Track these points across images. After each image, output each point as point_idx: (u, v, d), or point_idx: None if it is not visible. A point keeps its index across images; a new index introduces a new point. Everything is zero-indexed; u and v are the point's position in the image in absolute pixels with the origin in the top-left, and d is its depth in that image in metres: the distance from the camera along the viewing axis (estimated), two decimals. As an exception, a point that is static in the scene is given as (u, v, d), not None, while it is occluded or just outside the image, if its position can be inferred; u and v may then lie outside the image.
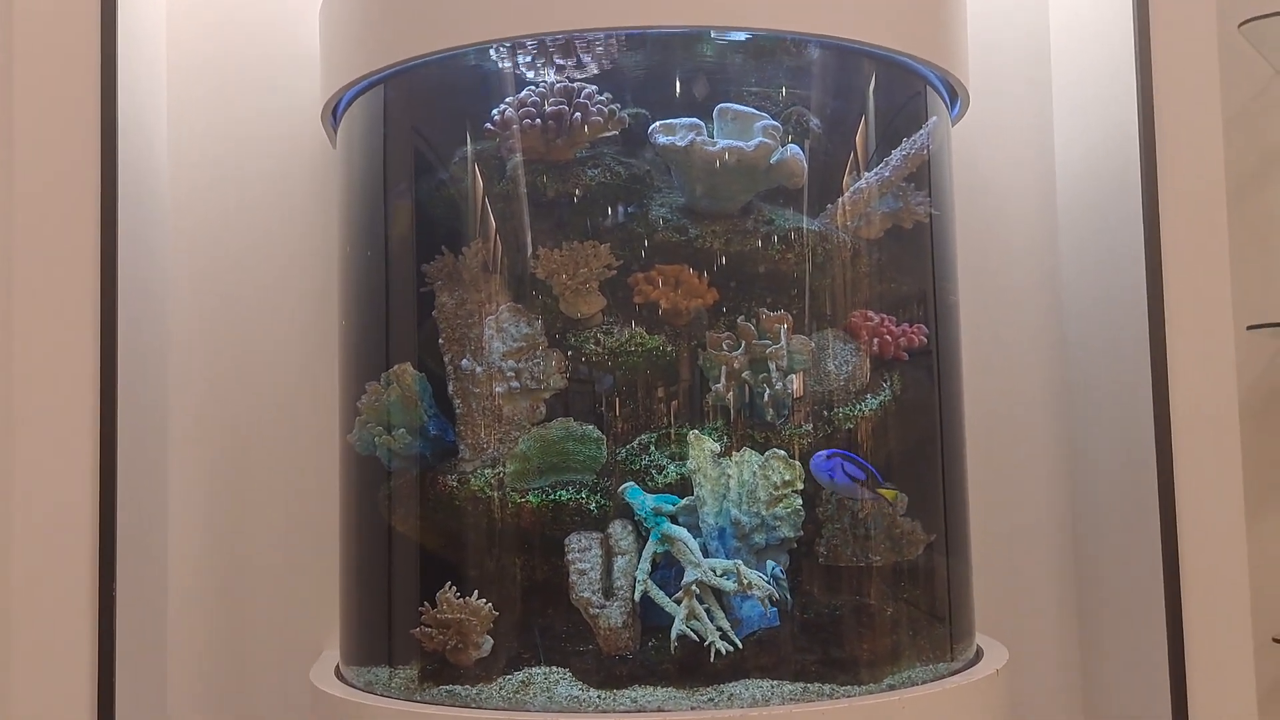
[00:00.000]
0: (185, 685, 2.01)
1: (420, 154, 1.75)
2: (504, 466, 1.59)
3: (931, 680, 1.63)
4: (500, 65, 1.63)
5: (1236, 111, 2.13)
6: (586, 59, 1.61)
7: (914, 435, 1.73)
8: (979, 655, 1.78)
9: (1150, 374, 1.81)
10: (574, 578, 1.54)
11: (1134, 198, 1.84)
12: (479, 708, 1.53)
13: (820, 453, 1.59)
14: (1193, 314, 1.80)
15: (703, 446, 1.56)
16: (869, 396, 1.66)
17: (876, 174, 1.69)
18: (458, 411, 1.63)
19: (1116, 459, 1.96)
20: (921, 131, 1.74)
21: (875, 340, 1.66)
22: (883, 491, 1.62)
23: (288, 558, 2.05)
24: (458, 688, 1.56)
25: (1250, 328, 2.04)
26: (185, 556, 2.02)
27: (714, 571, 1.52)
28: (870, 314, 1.67)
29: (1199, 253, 1.81)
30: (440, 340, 1.64)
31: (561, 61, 1.61)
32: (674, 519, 1.55)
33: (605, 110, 1.59)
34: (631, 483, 1.56)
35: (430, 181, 1.71)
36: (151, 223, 1.92)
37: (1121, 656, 1.97)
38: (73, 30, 1.66)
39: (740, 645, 1.51)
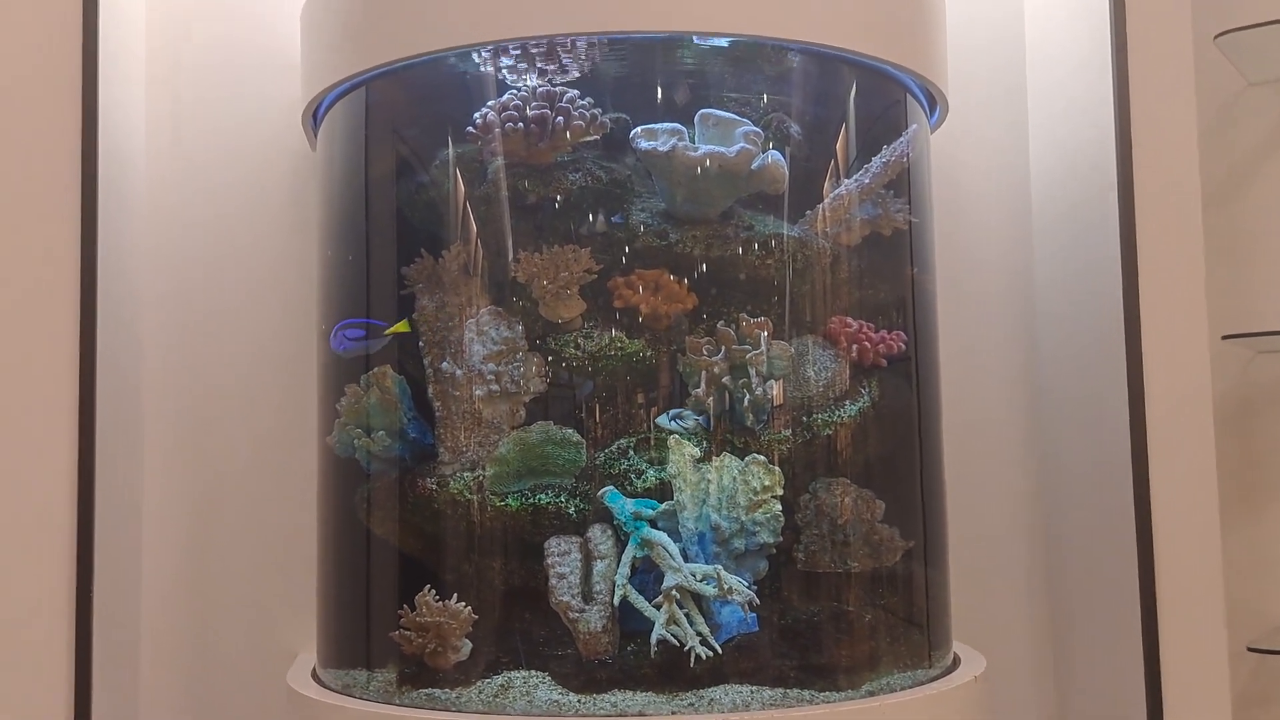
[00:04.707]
0: (159, 688, 1.99)
1: (402, 157, 1.74)
2: (483, 469, 1.59)
3: (910, 687, 1.63)
4: (483, 69, 1.63)
5: (1211, 122, 2.15)
6: (569, 63, 1.61)
7: (892, 441, 1.74)
8: (956, 662, 1.78)
9: (1126, 383, 1.82)
10: (553, 581, 1.54)
11: (1109, 207, 1.86)
12: (458, 711, 1.52)
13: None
14: (1168, 323, 1.82)
15: (683, 451, 1.56)
16: (848, 403, 1.66)
17: (856, 181, 1.70)
18: (437, 414, 1.62)
19: (1091, 467, 1.97)
20: (901, 139, 1.74)
21: (854, 346, 1.67)
22: (393, 330, 1.62)
23: (264, 560, 2.03)
24: (436, 691, 1.55)
25: (1225, 337, 2.06)
26: (160, 558, 2.01)
27: (694, 576, 1.52)
28: (849, 320, 1.68)
29: (1174, 262, 1.83)
30: (420, 343, 1.64)
31: (544, 66, 1.61)
32: (654, 524, 1.55)
33: (587, 115, 1.59)
34: (611, 487, 1.56)
35: (411, 184, 1.71)
36: (128, 223, 1.91)
37: (1096, 665, 1.98)
38: (54, 29, 1.66)
39: (720, 650, 1.51)
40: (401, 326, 1.61)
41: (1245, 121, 2.19)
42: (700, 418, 1.57)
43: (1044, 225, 2.14)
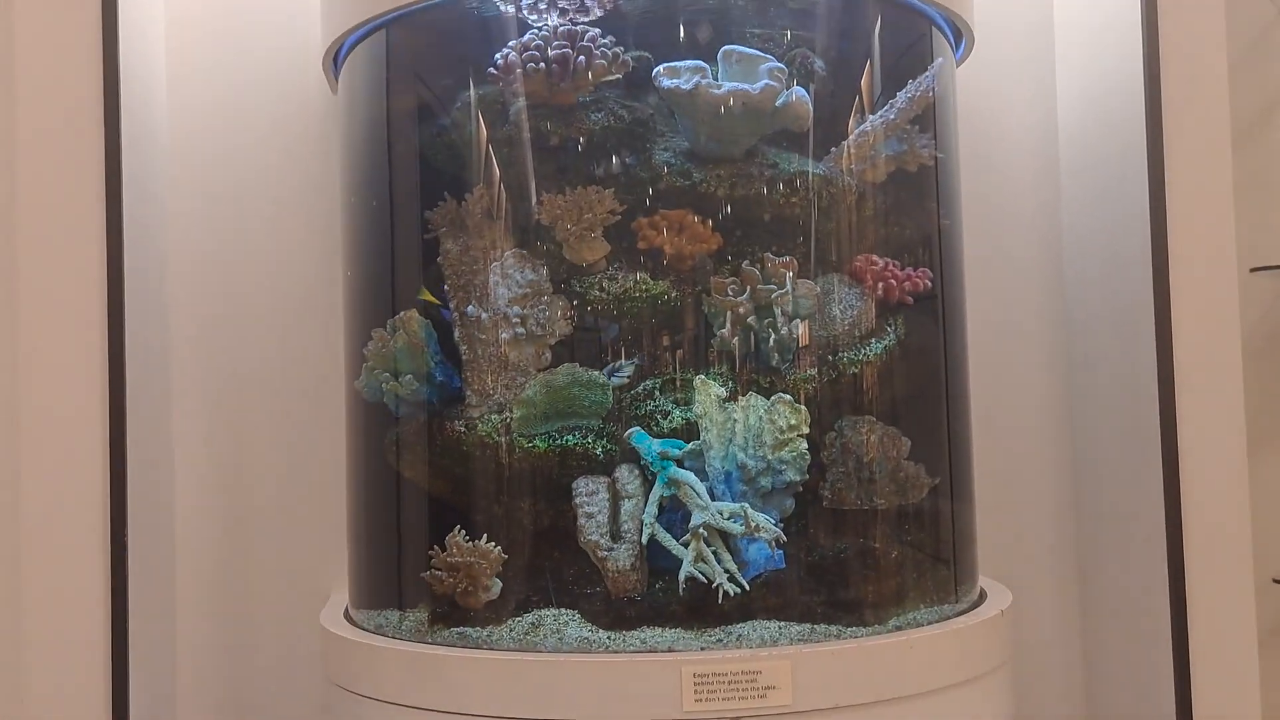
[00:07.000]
0: (194, 629, 2.02)
1: (423, 99, 1.73)
2: (511, 412, 1.60)
3: (937, 621, 1.65)
4: (503, 9, 1.62)
5: (1241, 54, 2.11)
6: (590, 2, 1.59)
7: (918, 379, 1.74)
8: (983, 597, 1.79)
9: (1153, 316, 1.81)
10: (582, 521, 1.55)
11: (1138, 141, 1.83)
12: (489, 649, 1.54)
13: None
14: (1196, 256, 1.80)
15: (708, 391, 1.57)
16: (874, 341, 1.66)
17: (881, 116, 1.68)
18: (464, 358, 1.63)
19: (1119, 401, 1.97)
20: (927, 73, 1.72)
21: (880, 284, 1.66)
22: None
23: (294, 503, 2.06)
24: (468, 630, 1.57)
25: (1254, 270, 2.04)
26: (192, 502, 2.03)
27: (721, 514, 1.53)
28: (875, 258, 1.67)
29: (1203, 195, 1.80)
30: (445, 287, 1.64)
31: (565, 5, 1.59)
32: (680, 463, 1.56)
33: (609, 53, 1.58)
34: (638, 428, 1.57)
35: (433, 127, 1.70)
36: (152, 169, 1.91)
37: (1121, 598, 1.99)
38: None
39: (747, 587, 1.53)
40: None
41: (1276, 53, 2.15)
42: (635, 359, 1.57)
43: (1071, 158, 2.11)
